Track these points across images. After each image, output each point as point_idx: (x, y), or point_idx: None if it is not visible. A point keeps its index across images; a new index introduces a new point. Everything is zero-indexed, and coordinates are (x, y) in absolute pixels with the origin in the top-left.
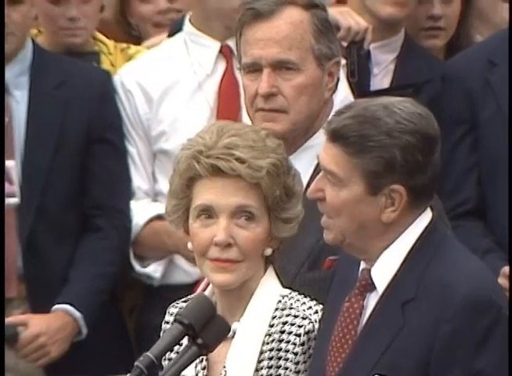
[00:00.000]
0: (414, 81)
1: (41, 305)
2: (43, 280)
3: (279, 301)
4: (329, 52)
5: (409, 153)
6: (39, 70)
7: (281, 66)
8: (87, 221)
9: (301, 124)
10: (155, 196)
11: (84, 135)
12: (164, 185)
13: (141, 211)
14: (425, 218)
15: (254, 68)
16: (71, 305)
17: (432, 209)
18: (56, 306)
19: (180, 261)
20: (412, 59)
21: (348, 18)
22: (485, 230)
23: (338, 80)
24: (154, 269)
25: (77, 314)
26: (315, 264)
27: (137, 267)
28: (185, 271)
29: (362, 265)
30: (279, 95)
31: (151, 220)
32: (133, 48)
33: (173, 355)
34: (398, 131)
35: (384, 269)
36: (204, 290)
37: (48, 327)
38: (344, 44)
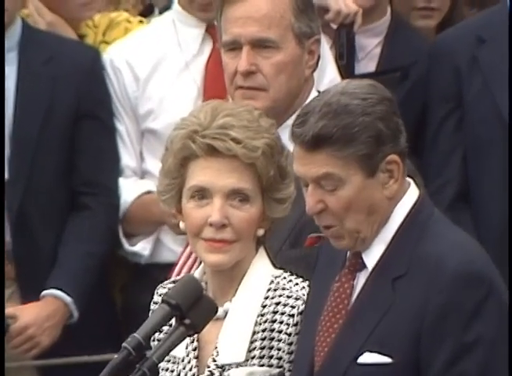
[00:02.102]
0: (401, 63)
1: (29, 286)
2: (32, 259)
3: (272, 282)
4: (309, 30)
5: (389, 120)
6: (27, 46)
7: (260, 45)
8: (75, 199)
9: (280, 102)
10: (142, 174)
11: (72, 111)
12: (150, 164)
13: (129, 189)
14: (412, 194)
15: (234, 46)
16: (61, 289)
17: (419, 187)
18: (46, 291)
19: (167, 240)
20: (399, 41)
21: (339, 1)
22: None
23: (319, 58)
24: (143, 247)
25: (68, 299)
26: (297, 241)
27: (126, 245)
28: (171, 250)
29: None
30: (259, 73)
31: (140, 196)
32: (115, 13)
33: (162, 335)
34: (370, 107)
35: (374, 247)
36: (181, 269)
37: (36, 317)
38: (334, 26)
